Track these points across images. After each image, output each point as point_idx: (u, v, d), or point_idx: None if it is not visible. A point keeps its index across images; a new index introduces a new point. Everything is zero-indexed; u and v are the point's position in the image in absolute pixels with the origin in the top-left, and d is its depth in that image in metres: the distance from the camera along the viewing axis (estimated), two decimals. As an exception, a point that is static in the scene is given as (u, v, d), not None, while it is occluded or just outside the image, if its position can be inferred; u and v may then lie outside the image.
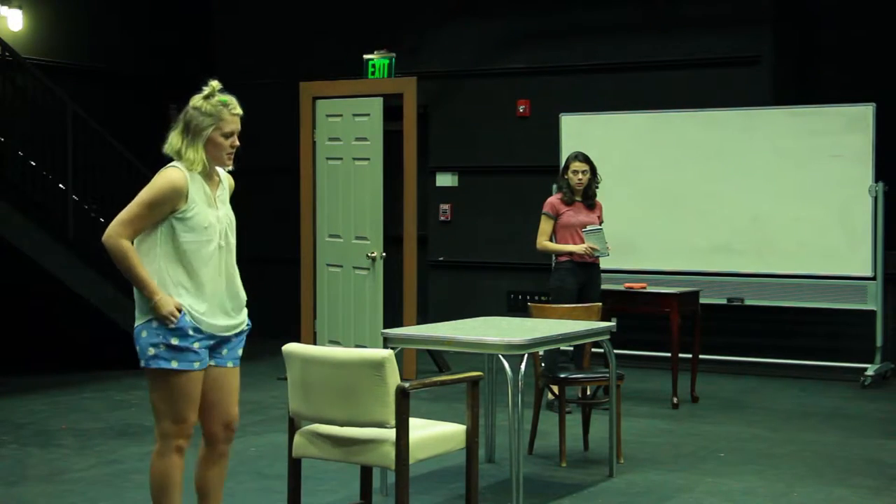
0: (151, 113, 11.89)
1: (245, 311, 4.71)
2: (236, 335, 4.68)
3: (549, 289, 7.93)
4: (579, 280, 7.79)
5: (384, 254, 8.86)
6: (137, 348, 4.37)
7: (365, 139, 8.96)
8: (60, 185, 9.27)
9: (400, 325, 8.50)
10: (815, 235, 9.30)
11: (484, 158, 11.24)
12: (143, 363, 4.36)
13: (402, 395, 4.43)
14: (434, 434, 4.68)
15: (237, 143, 4.69)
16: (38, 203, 9.17)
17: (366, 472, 5.05)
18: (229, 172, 4.81)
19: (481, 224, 11.24)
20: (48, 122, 9.34)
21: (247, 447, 6.82)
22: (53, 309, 9.81)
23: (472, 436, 4.77)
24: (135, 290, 4.37)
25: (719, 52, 10.19)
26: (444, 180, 11.41)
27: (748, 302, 9.54)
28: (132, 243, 4.38)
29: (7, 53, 9.16)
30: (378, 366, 4.44)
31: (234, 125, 4.65)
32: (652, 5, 10.54)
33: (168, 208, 4.44)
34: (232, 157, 4.69)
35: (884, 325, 9.21)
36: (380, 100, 8.95)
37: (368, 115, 8.94)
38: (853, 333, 9.49)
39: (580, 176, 7.75)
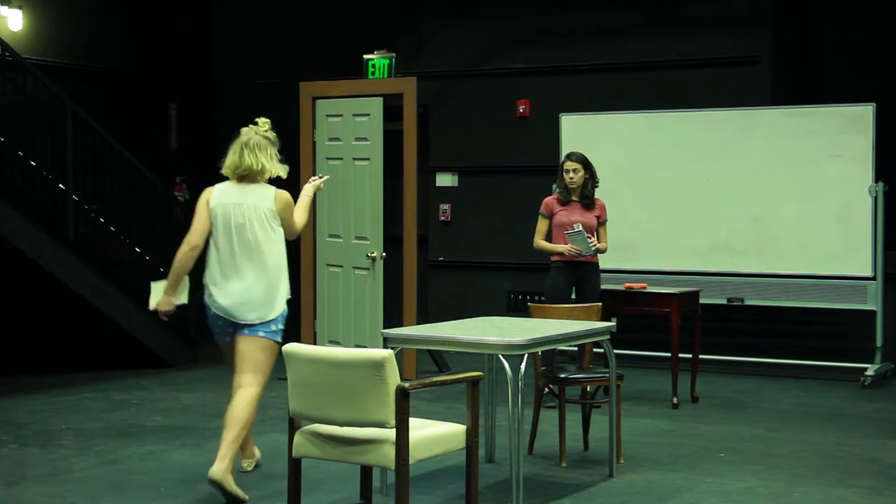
0: (151, 113, 11.91)
1: None
2: None
3: (543, 287, 8.00)
4: (571, 279, 7.91)
5: (384, 254, 8.86)
6: (282, 326, 5.85)
7: (365, 139, 8.96)
8: (60, 185, 9.27)
9: (400, 325, 8.50)
10: (815, 235, 9.30)
11: (484, 158, 11.24)
12: (278, 337, 5.78)
13: (402, 395, 4.43)
14: (434, 434, 4.68)
15: None
16: (38, 203, 9.17)
17: (366, 472, 5.06)
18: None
19: (481, 224, 11.25)
20: (48, 122, 9.34)
21: (247, 447, 6.82)
22: (53, 309, 9.81)
23: (472, 436, 4.77)
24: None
25: (719, 52, 10.19)
26: (444, 180, 11.42)
27: (748, 302, 9.54)
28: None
29: (7, 53, 9.16)
30: (378, 366, 4.44)
31: None
32: (652, 5, 10.54)
33: None
34: None
35: (884, 325, 9.21)
36: (380, 100, 8.95)
37: (368, 115, 8.94)
38: (853, 333, 9.49)
39: (571, 175, 7.85)
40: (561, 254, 7.87)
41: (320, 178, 6.34)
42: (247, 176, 5.79)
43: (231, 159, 5.83)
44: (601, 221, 7.95)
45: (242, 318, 5.75)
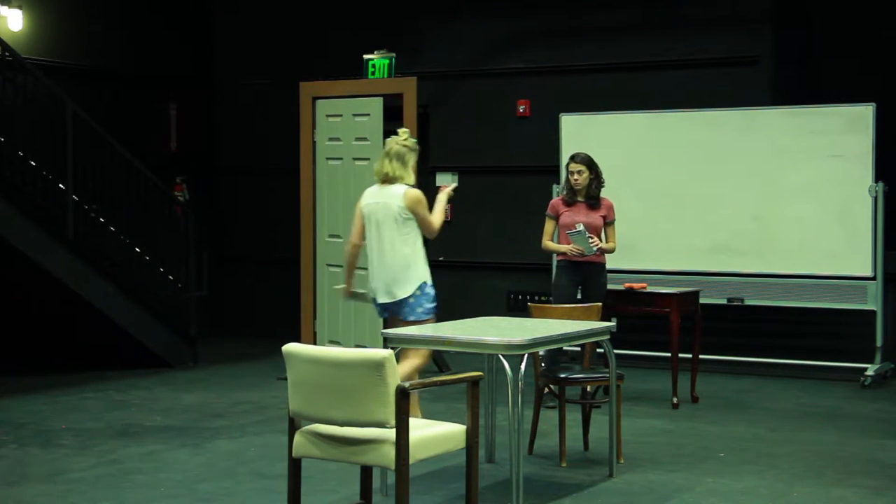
0: (151, 113, 11.90)
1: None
2: None
3: (551, 287, 8.05)
4: (574, 279, 7.94)
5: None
6: (430, 305, 6.68)
7: (365, 139, 8.96)
8: (60, 185, 9.27)
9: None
10: (815, 235, 9.30)
11: (484, 158, 11.23)
12: (427, 315, 6.63)
13: (402, 395, 4.43)
14: (434, 434, 4.68)
15: None
16: (38, 203, 9.17)
17: (366, 472, 5.05)
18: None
19: (481, 224, 11.24)
20: (48, 122, 9.34)
21: (247, 447, 6.83)
22: (53, 309, 9.81)
23: (472, 436, 4.77)
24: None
25: (719, 52, 10.19)
26: (444, 180, 11.40)
27: (748, 302, 9.54)
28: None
29: (7, 53, 9.15)
30: (378, 366, 4.44)
31: None
32: (652, 5, 10.54)
33: None
34: None
35: (884, 325, 9.21)
36: (380, 100, 8.94)
37: (368, 115, 8.94)
38: (853, 333, 9.49)
39: (575, 176, 7.89)
40: (565, 254, 7.91)
41: (450, 185, 7.19)
42: (387, 180, 6.70)
43: (376, 166, 6.80)
44: (608, 221, 7.95)
45: (384, 300, 6.72)
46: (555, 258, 8.55)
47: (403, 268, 6.65)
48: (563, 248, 7.89)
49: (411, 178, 6.72)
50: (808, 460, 6.51)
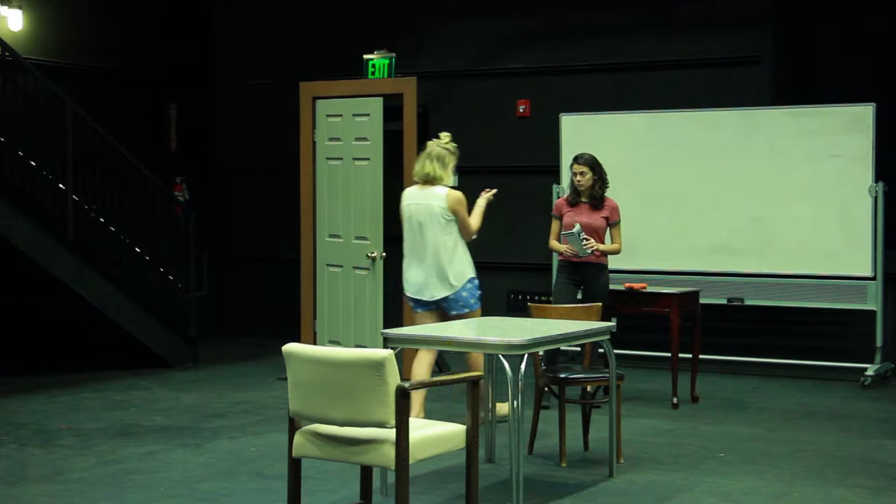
0: (151, 113, 11.90)
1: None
2: None
3: (552, 286, 8.10)
4: (573, 278, 7.98)
5: (384, 254, 8.86)
6: (472, 300, 7.16)
7: (365, 139, 8.95)
8: (60, 185, 9.27)
9: (400, 325, 8.49)
10: (815, 235, 9.31)
11: (484, 158, 11.22)
12: (468, 309, 7.10)
13: (402, 395, 4.43)
14: (434, 434, 4.68)
15: None
16: (38, 203, 9.17)
17: (366, 472, 5.06)
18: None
19: (481, 224, 11.22)
20: (48, 122, 9.34)
21: (247, 447, 6.83)
22: (53, 309, 9.81)
23: (472, 436, 4.77)
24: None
25: (719, 52, 10.19)
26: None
27: (748, 302, 9.54)
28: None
29: (7, 53, 9.15)
30: (378, 366, 4.44)
31: None
32: (652, 5, 10.54)
33: None
34: None
35: (884, 325, 9.21)
36: (380, 100, 8.94)
37: (368, 115, 8.94)
38: (853, 333, 9.49)
39: (578, 178, 7.91)
40: (563, 253, 7.94)
41: (490, 190, 7.47)
42: (428, 181, 7.07)
43: (417, 167, 7.14)
44: (613, 223, 7.94)
45: (424, 298, 7.15)
46: (556, 258, 8.57)
47: (448, 265, 7.07)
48: (561, 248, 7.92)
49: (450, 180, 7.12)
50: (808, 460, 6.51)
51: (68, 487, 5.88)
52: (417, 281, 7.16)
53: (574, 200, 7.97)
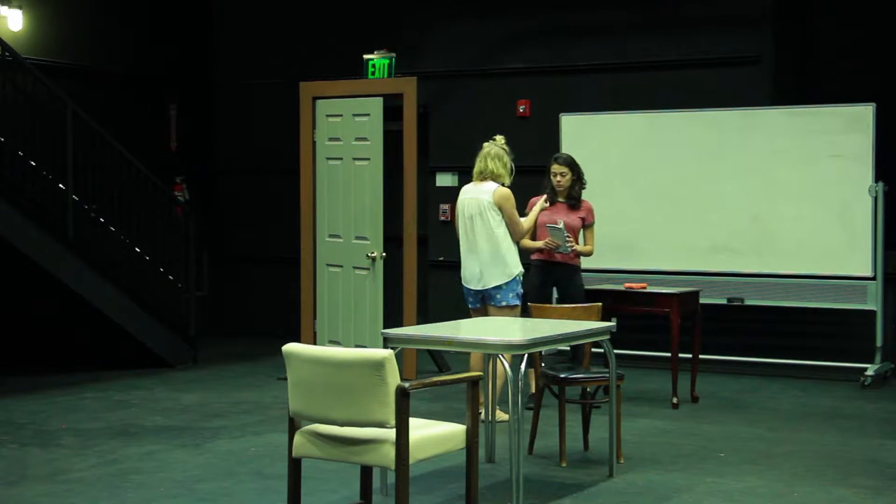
0: (151, 113, 11.90)
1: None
2: None
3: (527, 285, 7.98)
4: (548, 279, 7.98)
5: (384, 254, 8.86)
6: (515, 294, 7.52)
7: (365, 139, 8.96)
8: (60, 185, 9.27)
9: (400, 325, 8.50)
10: (814, 235, 9.30)
11: (484, 158, 11.21)
12: (514, 301, 7.50)
13: (402, 395, 4.43)
14: (434, 434, 4.68)
15: None
16: (38, 203, 9.17)
17: (366, 472, 5.06)
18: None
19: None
20: (48, 122, 9.34)
21: (247, 447, 6.83)
22: (53, 309, 9.81)
23: (472, 436, 4.77)
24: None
25: (719, 52, 10.18)
26: (444, 180, 11.40)
27: (748, 302, 9.53)
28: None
29: (7, 53, 9.15)
30: (378, 366, 4.44)
31: None
32: (652, 5, 10.54)
33: None
34: None
35: (884, 325, 9.21)
36: (380, 100, 8.95)
37: (368, 115, 8.94)
38: (853, 333, 9.48)
39: (557, 178, 7.97)
40: (541, 251, 7.92)
41: (542, 197, 7.88)
42: (486, 177, 7.60)
43: (477, 165, 7.68)
44: (587, 224, 7.97)
45: (476, 288, 7.54)
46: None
47: (493, 257, 7.47)
48: (539, 243, 7.89)
49: (507, 179, 7.62)
50: (808, 460, 6.51)
51: (68, 487, 5.88)
52: (474, 271, 7.54)
53: (553, 199, 7.97)
